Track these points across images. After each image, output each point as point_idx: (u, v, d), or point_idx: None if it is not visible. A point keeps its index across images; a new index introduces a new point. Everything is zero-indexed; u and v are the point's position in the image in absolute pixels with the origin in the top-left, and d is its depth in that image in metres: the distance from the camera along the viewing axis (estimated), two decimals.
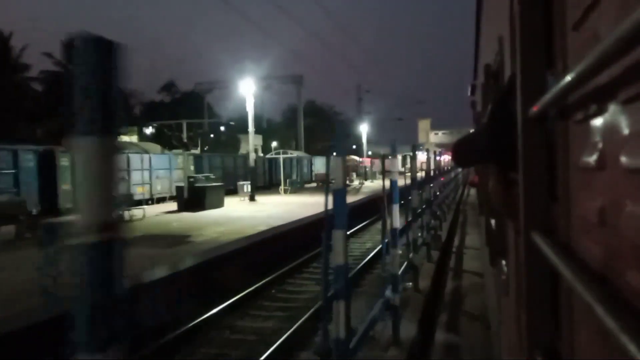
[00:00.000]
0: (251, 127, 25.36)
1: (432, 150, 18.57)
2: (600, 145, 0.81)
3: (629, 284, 0.67)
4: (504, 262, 2.73)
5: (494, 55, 2.99)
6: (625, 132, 0.69)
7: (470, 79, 11.76)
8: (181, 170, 24.95)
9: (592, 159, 0.84)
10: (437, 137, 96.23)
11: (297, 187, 32.29)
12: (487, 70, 3.69)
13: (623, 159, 0.69)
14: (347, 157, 61.38)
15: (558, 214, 1.14)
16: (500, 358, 3.41)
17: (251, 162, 26.25)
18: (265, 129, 71.90)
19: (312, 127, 74.62)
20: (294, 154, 37.90)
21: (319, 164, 51.06)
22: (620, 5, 0.70)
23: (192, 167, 27.80)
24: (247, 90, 25.75)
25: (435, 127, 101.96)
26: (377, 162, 65.86)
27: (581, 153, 0.94)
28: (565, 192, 1.09)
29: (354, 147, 68.65)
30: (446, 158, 26.45)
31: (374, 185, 36.85)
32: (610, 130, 0.77)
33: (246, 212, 18.00)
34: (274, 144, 69.88)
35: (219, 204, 20.14)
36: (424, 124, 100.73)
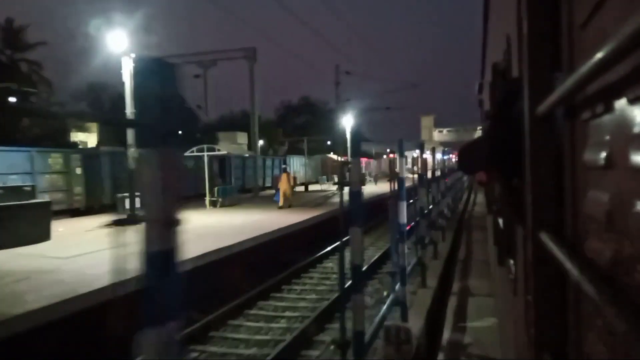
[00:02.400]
0: (129, 108, 15.49)
1: (436, 149, 17.81)
2: (608, 144, 0.81)
3: (637, 284, 0.67)
4: (512, 262, 2.72)
5: (502, 54, 2.97)
6: (633, 131, 0.69)
7: (476, 74, 11.68)
8: (59, 175, 18.25)
9: (600, 158, 0.84)
10: (441, 135, 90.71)
11: (237, 197, 23.74)
12: (495, 68, 3.67)
13: (631, 158, 0.69)
14: (327, 156, 46.63)
15: (566, 213, 1.14)
16: (508, 358, 3.39)
17: (130, 163, 15.97)
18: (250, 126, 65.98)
19: (306, 124, 67.90)
20: (222, 151, 25.54)
21: (299, 165, 41.83)
22: (627, 4, 0.69)
23: (78, 171, 19.00)
24: (119, 48, 15.23)
25: (440, 124, 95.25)
26: (372, 162, 57.66)
27: (589, 152, 0.94)
28: (573, 192, 1.09)
29: (328, 142, 59.42)
30: (440, 158, 22.53)
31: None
32: (618, 129, 0.77)
33: (54, 257, 9.80)
34: (261, 142, 64.97)
35: (41, 236, 11.66)
36: (427, 121, 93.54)
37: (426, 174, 10.44)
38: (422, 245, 8.73)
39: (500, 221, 3.43)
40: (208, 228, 13.67)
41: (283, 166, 23.39)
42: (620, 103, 0.74)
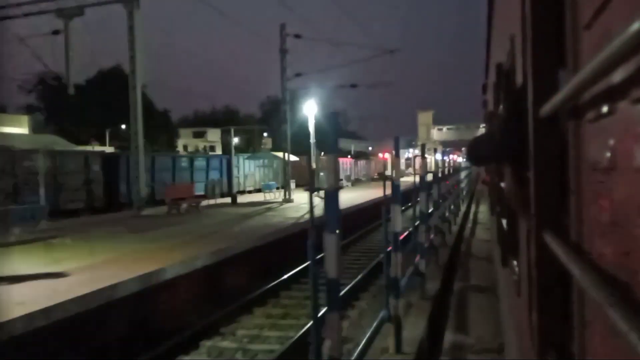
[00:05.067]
0: None
1: (432, 149, 15.60)
2: (612, 144, 0.81)
3: None
4: (515, 263, 2.72)
5: (506, 54, 2.97)
6: (638, 132, 0.69)
7: (479, 70, 11.56)
8: None
9: (604, 158, 0.84)
10: (441, 133, 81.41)
11: (36, 226, 13.22)
12: (499, 69, 3.67)
13: (635, 159, 0.69)
14: (273, 154, 34.83)
15: (570, 213, 1.14)
16: (512, 359, 3.39)
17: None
18: (226, 122, 55.70)
19: (294, 121, 62.58)
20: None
21: (253, 167, 31.98)
22: (632, 4, 0.69)
23: None
24: None
25: (439, 121, 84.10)
26: (349, 162, 46.61)
27: (593, 153, 0.94)
28: (576, 192, 1.09)
29: (265, 134, 53.59)
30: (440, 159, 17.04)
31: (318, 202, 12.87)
32: (622, 129, 0.77)
33: None
34: (236, 140, 59.04)
35: None
36: (424, 117, 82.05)
37: (425, 176, 9.92)
38: (422, 253, 8.11)
39: (504, 222, 3.43)
40: None
41: None
42: (625, 104, 0.74)
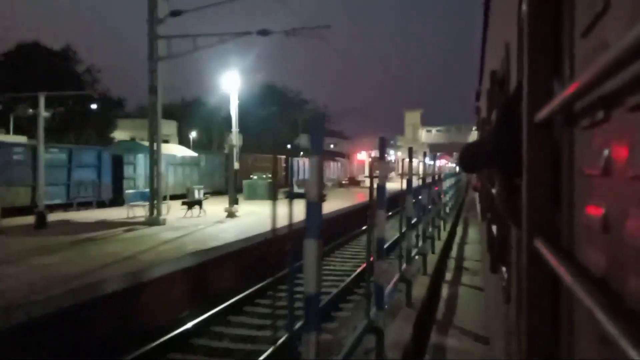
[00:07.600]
0: None
1: (417, 152, 12.39)
2: (605, 152, 0.81)
3: (631, 290, 0.67)
4: (504, 269, 2.73)
5: (500, 62, 2.99)
6: (631, 139, 0.69)
7: (466, 71, 11.38)
8: None
9: (597, 165, 0.84)
10: (430, 135, 75.37)
11: None
12: (493, 76, 3.69)
13: (628, 166, 0.69)
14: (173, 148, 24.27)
15: (561, 220, 1.14)
16: None
17: None
18: (183, 113, 51.16)
19: (271, 116, 55.13)
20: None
21: (144, 166, 20.27)
22: (629, 13, 0.70)
23: None
24: None
25: (427, 122, 77.68)
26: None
27: (586, 159, 0.94)
28: (569, 199, 1.09)
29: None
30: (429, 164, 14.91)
31: (227, 225, 14.45)
32: (616, 137, 0.77)
33: None
34: (194, 134, 52.85)
35: None
36: (412, 117, 74.49)
37: (412, 179, 8.64)
38: (408, 260, 7.68)
39: (494, 228, 3.45)
40: None
41: None
42: (619, 112, 0.75)
